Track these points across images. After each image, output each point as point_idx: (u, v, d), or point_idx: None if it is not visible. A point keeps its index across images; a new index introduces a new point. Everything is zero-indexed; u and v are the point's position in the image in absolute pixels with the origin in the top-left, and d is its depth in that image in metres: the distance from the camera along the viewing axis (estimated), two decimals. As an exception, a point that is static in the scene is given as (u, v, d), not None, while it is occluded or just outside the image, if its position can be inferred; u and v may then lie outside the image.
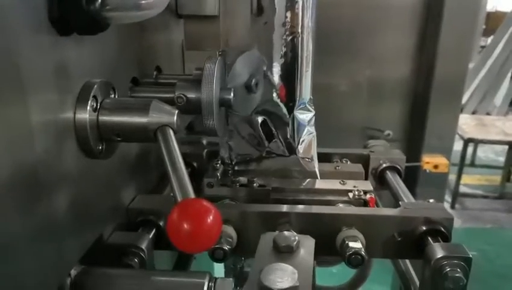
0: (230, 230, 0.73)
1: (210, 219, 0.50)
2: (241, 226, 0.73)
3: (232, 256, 0.73)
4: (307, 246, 0.63)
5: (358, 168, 0.94)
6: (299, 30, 0.88)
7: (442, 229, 0.72)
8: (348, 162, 0.97)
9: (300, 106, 0.91)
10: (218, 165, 0.90)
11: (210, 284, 0.57)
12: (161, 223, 0.74)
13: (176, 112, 0.60)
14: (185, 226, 0.49)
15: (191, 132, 1.16)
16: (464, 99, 6.34)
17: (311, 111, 0.92)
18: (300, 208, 0.77)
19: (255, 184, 0.85)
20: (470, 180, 4.09)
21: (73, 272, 0.58)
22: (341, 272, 1.10)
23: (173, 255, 0.95)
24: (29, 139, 0.48)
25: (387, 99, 1.63)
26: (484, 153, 4.79)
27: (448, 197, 3.77)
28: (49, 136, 0.52)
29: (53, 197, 0.53)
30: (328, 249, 0.71)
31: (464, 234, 3.30)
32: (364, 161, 0.99)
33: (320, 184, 0.88)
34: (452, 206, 3.66)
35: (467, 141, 3.42)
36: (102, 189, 0.66)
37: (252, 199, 0.84)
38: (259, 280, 0.53)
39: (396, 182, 0.92)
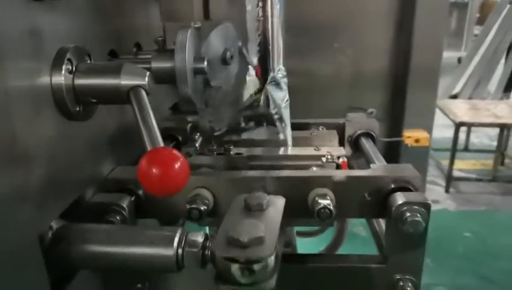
0: (206, 193, 0.75)
1: (178, 165, 0.54)
2: (217, 191, 0.75)
3: (209, 219, 0.75)
4: (276, 204, 0.66)
5: (333, 134, 0.98)
6: (269, 12, 0.94)
7: (410, 187, 0.74)
8: (324, 129, 1.01)
9: (272, 82, 0.96)
10: (196, 136, 0.93)
11: (181, 236, 0.60)
12: (140, 193, 0.75)
13: (148, 73, 0.64)
14: (154, 171, 0.53)
15: (176, 112, 1.21)
16: (459, 87, 6.37)
17: (283, 89, 0.97)
18: (274, 172, 0.79)
19: (231, 152, 0.89)
20: (464, 165, 4.13)
21: (54, 226, 0.61)
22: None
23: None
24: (6, 103, 0.51)
25: (369, 81, 1.68)
26: (478, 139, 4.83)
27: (442, 182, 3.81)
28: (27, 100, 0.55)
29: (32, 157, 0.56)
30: (302, 211, 0.74)
31: (458, 217, 3.35)
32: (341, 129, 1.03)
33: (295, 151, 0.92)
34: (446, 190, 3.70)
35: (458, 125, 3.46)
36: (84, 153, 0.70)
37: (230, 167, 0.87)
38: (227, 233, 0.56)
39: (369, 146, 0.96)
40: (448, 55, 8.96)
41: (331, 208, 0.70)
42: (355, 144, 1.02)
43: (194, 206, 0.72)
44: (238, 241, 0.55)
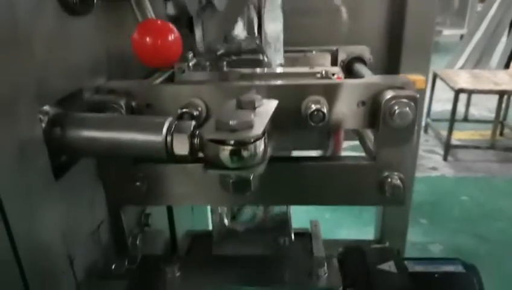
0: (199, 102, 0.75)
1: (171, 37, 0.56)
2: (209, 99, 0.75)
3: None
4: (268, 104, 0.67)
5: (325, 55, 0.99)
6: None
7: None
8: (317, 53, 1.02)
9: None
10: (190, 56, 0.94)
11: (171, 124, 0.61)
12: (133, 104, 0.74)
13: (142, -36, 0.65)
14: (148, 40, 0.55)
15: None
16: (460, 63, 6.34)
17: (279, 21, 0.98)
18: (267, 82, 0.79)
19: (224, 69, 0.90)
20: (463, 136, 4.15)
21: (51, 112, 0.64)
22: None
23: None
24: None
25: (366, 32, 1.69)
26: (478, 111, 4.84)
27: (441, 151, 3.83)
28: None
29: (33, 45, 0.58)
30: (295, 121, 0.74)
31: (455, 183, 3.38)
32: (334, 56, 1.05)
33: (289, 70, 0.93)
34: (445, 158, 3.72)
35: (457, 92, 3.46)
36: (81, 52, 0.72)
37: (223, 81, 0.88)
38: (217, 118, 0.57)
39: (362, 69, 0.98)
40: (451, 33, 8.93)
41: (324, 110, 0.71)
42: (347, 70, 1.04)
43: (186, 110, 0.72)
44: (226, 125, 0.55)
